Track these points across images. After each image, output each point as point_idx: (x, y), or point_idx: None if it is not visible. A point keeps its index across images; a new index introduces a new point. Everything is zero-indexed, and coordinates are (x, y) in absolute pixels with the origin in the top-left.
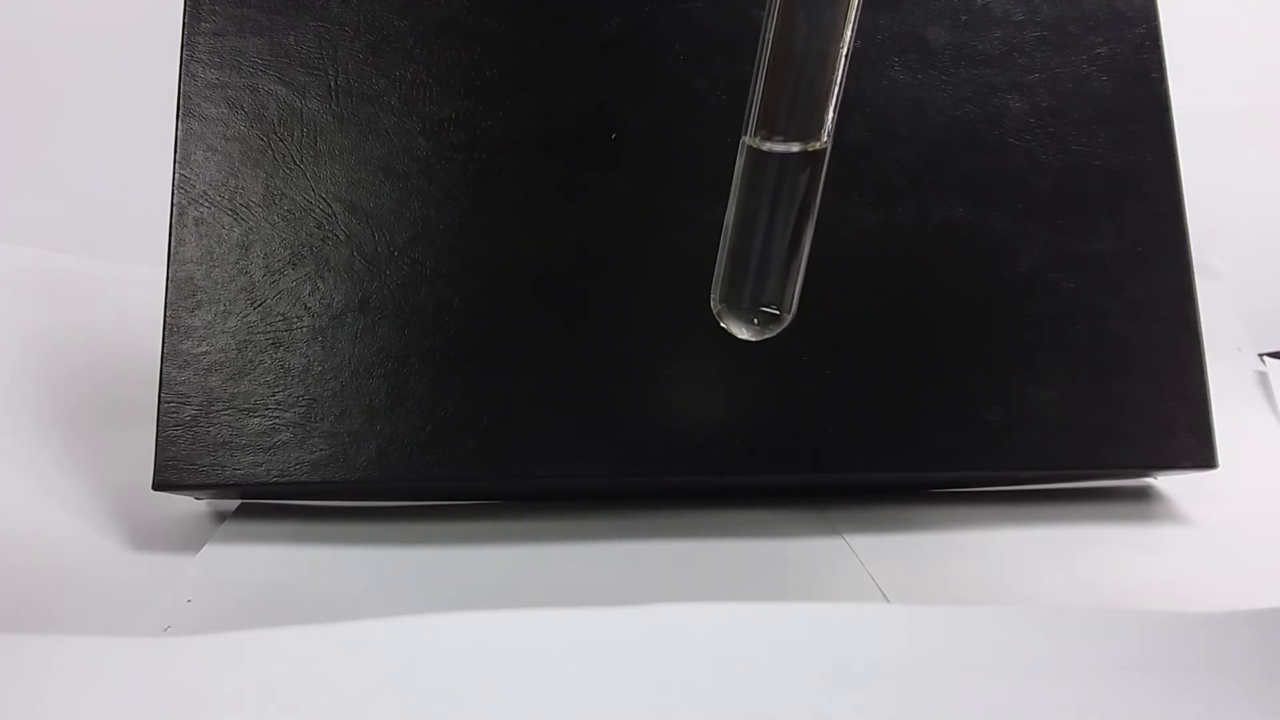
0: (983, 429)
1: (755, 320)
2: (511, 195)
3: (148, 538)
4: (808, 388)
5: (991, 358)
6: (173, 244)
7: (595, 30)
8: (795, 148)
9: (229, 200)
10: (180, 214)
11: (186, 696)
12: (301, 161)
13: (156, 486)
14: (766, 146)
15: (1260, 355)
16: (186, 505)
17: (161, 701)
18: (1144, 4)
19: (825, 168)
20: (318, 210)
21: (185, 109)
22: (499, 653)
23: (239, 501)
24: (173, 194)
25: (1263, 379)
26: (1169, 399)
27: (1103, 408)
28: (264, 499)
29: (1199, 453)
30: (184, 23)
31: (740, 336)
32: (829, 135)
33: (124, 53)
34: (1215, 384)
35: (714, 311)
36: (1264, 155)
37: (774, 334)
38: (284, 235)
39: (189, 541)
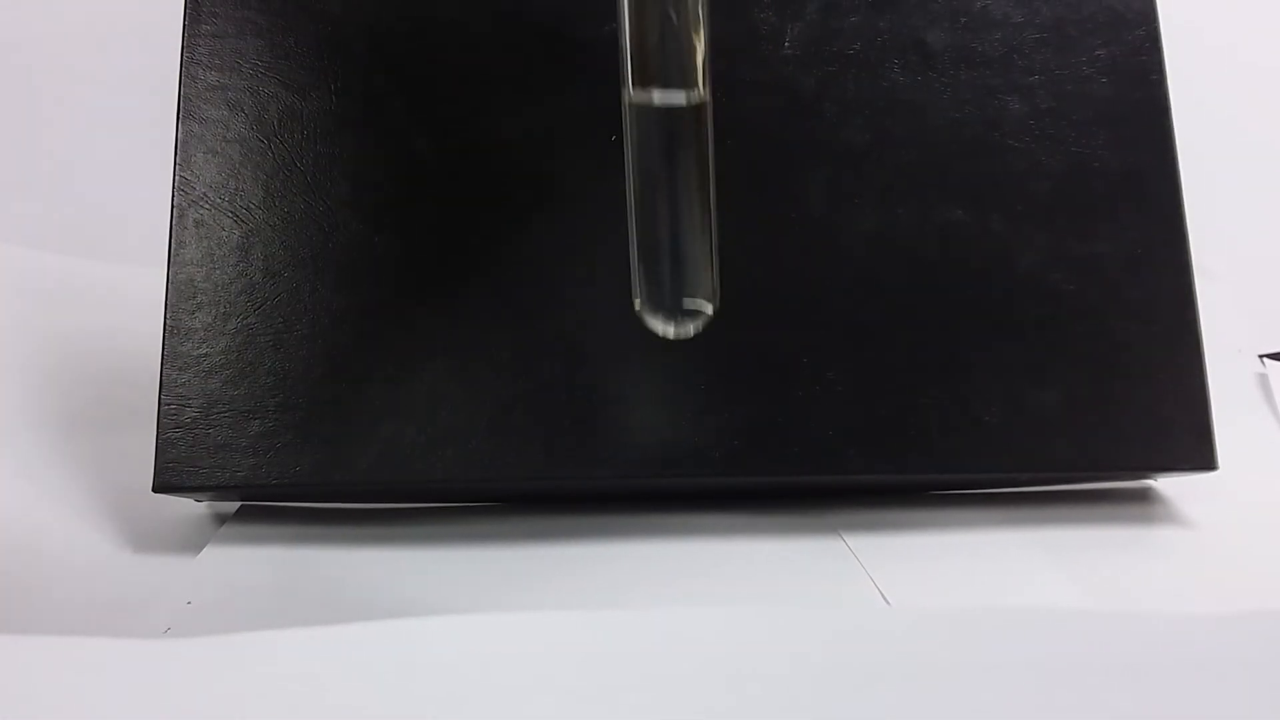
0: (983, 430)
1: (679, 318)
2: (512, 196)
3: (148, 540)
4: (808, 388)
5: (991, 358)
6: (173, 246)
7: (595, 30)
8: (679, 99)
9: (229, 202)
10: (181, 216)
11: (186, 698)
12: (302, 164)
13: (157, 488)
14: (650, 99)
15: (1260, 356)
16: (187, 507)
17: (161, 703)
18: (1143, 6)
19: (710, 127)
20: (318, 212)
21: (186, 111)
22: (499, 654)
23: (239, 504)
24: (173, 196)
25: (1263, 380)
26: (1168, 400)
27: (1103, 408)
28: (264, 501)
29: (1199, 454)
30: (184, 25)
31: (663, 334)
32: (706, 87)
33: (124, 54)
34: (1215, 385)
35: (636, 310)
36: (1264, 156)
37: (698, 330)
38: (284, 237)
39: (189, 543)
